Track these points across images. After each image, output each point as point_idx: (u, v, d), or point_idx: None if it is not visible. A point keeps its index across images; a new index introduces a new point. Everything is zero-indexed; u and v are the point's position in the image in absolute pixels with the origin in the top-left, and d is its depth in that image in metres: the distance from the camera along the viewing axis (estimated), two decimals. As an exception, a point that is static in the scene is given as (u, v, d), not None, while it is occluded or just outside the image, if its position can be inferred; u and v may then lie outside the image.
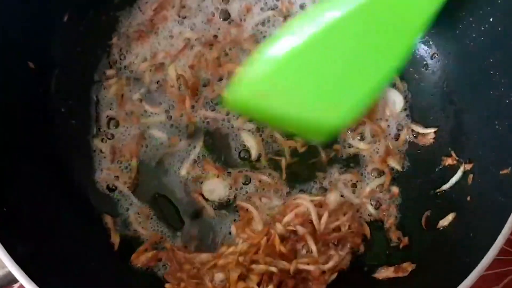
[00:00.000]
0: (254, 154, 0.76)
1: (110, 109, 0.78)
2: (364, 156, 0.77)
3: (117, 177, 0.75)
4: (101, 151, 0.76)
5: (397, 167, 0.76)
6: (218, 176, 0.75)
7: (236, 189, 0.75)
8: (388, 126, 0.78)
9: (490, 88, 0.68)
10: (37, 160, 0.69)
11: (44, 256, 0.60)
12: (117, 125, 0.77)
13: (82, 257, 0.66)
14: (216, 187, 0.75)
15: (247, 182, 0.75)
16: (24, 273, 0.54)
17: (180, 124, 0.77)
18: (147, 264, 0.70)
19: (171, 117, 0.77)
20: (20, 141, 0.67)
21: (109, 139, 0.77)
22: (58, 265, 0.61)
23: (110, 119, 0.78)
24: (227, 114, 0.78)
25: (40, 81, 0.73)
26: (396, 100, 0.79)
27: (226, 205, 0.75)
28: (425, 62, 0.80)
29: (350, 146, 0.77)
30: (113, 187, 0.75)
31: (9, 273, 0.55)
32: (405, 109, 0.79)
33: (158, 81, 0.79)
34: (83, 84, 0.78)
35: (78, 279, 0.62)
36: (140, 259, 0.70)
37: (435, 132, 0.76)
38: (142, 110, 0.78)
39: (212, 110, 0.78)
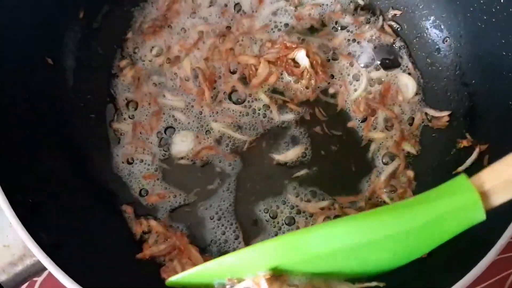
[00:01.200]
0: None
1: (128, 92, 0.80)
2: (381, 142, 0.77)
3: (138, 150, 0.77)
4: (121, 133, 0.78)
5: (412, 151, 0.77)
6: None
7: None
8: (403, 111, 0.79)
9: (503, 69, 0.68)
10: (58, 154, 0.71)
11: (70, 245, 0.61)
12: (136, 107, 0.79)
13: (106, 246, 0.67)
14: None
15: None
16: (52, 261, 0.55)
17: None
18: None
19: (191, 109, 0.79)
20: (41, 136, 0.69)
21: (130, 118, 0.79)
22: (83, 254, 0.62)
23: (129, 101, 0.79)
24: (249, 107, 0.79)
25: (58, 76, 0.75)
26: (409, 85, 0.80)
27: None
28: (437, 46, 0.80)
29: (362, 137, 0.78)
30: (133, 160, 0.77)
31: (38, 262, 0.57)
32: (418, 94, 0.79)
33: (175, 73, 0.80)
34: (101, 79, 0.80)
35: (103, 267, 0.63)
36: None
37: (449, 115, 0.76)
38: (160, 94, 0.79)
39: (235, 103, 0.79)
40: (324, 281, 0.55)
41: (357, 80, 0.80)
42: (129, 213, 0.74)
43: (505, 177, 0.50)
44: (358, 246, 0.53)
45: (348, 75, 0.80)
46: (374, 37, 0.82)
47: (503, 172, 0.51)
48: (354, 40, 0.82)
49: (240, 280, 0.56)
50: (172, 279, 0.59)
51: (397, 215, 0.53)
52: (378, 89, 0.79)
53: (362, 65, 0.80)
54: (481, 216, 0.51)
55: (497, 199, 0.51)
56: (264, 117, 0.78)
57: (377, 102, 0.78)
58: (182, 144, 0.77)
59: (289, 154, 0.77)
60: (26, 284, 0.79)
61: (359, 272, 0.57)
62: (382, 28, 0.82)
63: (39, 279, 0.80)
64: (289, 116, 0.78)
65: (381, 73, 0.80)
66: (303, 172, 0.76)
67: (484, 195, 0.51)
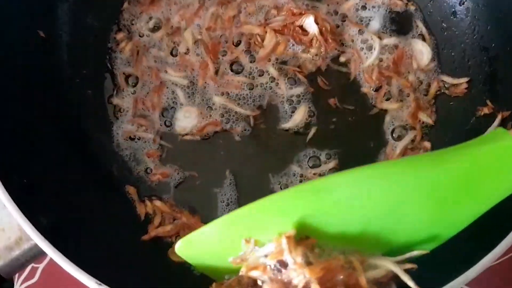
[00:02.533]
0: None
1: (128, 66, 0.76)
2: (396, 113, 0.74)
3: (140, 127, 0.73)
4: (121, 110, 0.74)
5: (428, 121, 0.73)
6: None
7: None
8: (418, 79, 0.75)
9: (525, 31, 0.65)
10: (55, 132, 0.67)
11: (69, 227, 0.58)
12: (136, 82, 0.75)
13: (109, 229, 0.64)
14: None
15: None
16: (50, 244, 0.52)
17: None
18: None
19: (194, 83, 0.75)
20: (36, 114, 0.66)
21: (132, 94, 0.75)
22: (85, 238, 0.60)
23: (128, 76, 0.75)
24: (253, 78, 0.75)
25: (52, 51, 0.71)
26: (424, 51, 0.75)
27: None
28: (453, 10, 0.75)
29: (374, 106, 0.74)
30: (135, 138, 0.73)
31: (36, 246, 0.54)
32: (433, 60, 0.75)
33: (174, 47, 0.76)
34: (96, 52, 0.76)
35: (106, 251, 0.61)
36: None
37: (467, 81, 0.72)
38: (162, 69, 0.75)
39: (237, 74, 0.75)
40: (357, 253, 0.50)
41: (368, 48, 0.75)
42: (133, 194, 0.71)
43: None
44: (393, 201, 0.49)
45: (360, 42, 0.76)
46: (385, 2, 0.77)
47: None
48: (364, 5, 0.77)
49: (261, 244, 0.49)
50: (179, 243, 0.53)
51: (435, 159, 0.51)
52: (391, 57, 0.75)
53: (373, 31, 0.76)
54: None
55: None
56: (270, 90, 0.74)
57: (391, 71, 0.74)
58: (186, 120, 0.74)
59: (296, 117, 0.73)
60: (27, 271, 0.77)
61: (397, 246, 0.52)
62: (394, -9, 0.78)
63: (40, 266, 0.77)
64: (297, 90, 0.74)
65: (394, 39, 0.76)
66: (313, 131, 0.73)
67: None
